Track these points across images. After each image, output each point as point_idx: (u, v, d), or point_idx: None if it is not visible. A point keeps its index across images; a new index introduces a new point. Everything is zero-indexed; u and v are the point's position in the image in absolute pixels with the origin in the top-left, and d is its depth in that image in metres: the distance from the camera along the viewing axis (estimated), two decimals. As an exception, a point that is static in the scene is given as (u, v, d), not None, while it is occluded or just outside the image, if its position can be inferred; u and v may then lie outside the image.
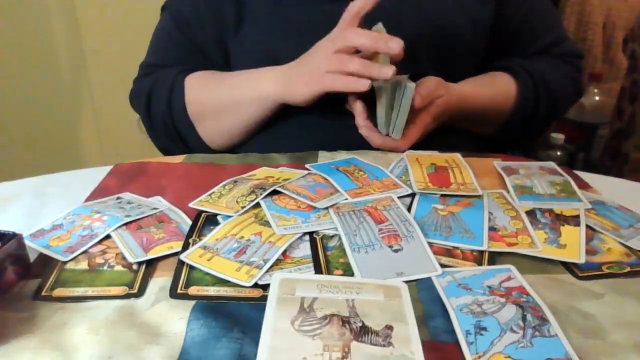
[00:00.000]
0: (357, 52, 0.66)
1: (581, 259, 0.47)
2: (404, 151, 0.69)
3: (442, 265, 0.46)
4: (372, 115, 0.69)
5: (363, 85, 0.63)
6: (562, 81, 0.83)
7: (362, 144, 0.70)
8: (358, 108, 0.69)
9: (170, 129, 0.80)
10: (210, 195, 0.58)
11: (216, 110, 0.77)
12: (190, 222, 0.53)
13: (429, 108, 0.69)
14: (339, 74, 0.64)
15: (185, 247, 0.49)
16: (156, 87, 0.80)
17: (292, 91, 0.69)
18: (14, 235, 0.44)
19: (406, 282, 0.43)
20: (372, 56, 0.66)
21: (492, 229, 0.51)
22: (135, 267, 0.46)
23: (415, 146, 0.70)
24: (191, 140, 0.80)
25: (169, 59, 0.82)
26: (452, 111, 0.73)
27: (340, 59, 0.64)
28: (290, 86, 0.69)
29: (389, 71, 0.62)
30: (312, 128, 0.72)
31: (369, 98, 0.68)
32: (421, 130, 0.70)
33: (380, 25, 0.66)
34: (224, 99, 0.76)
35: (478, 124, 0.81)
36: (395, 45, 0.61)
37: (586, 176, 0.65)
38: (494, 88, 0.79)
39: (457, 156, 0.67)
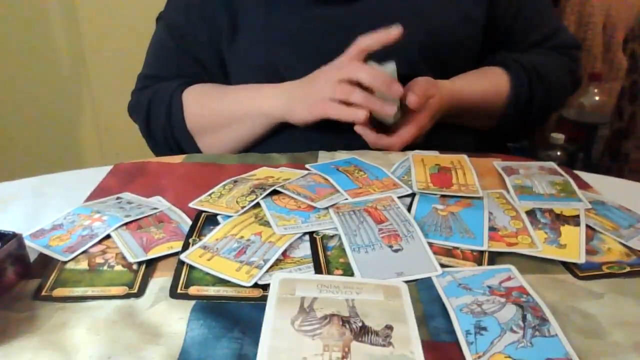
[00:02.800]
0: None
1: (581, 259, 0.47)
2: (398, 150, 0.69)
3: (442, 265, 0.46)
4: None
5: (363, 116, 0.66)
6: (557, 72, 0.83)
7: (362, 144, 0.71)
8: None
9: (171, 142, 0.81)
10: (210, 195, 0.58)
11: (217, 126, 0.77)
12: (190, 222, 0.53)
13: (423, 109, 0.70)
14: (341, 103, 0.66)
15: (185, 247, 0.49)
16: (154, 102, 0.80)
17: (293, 113, 0.71)
18: (14, 235, 0.44)
19: (406, 282, 0.43)
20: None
21: (492, 229, 0.51)
22: (135, 267, 0.46)
23: (416, 145, 0.70)
24: (193, 152, 0.80)
25: (165, 70, 0.82)
26: (445, 108, 0.73)
27: (345, 90, 0.66)
28: (292, 108, 0.71)
29: (391, 110, 0.65)
30: (312, 128, 0.72)
31: None
32: (416, 129, 0.70)
33: (392, 66, 0.68)
34: (224, 115, 0.76)
35: (473, 119, 0.81)
36: (396, 90, 0.64)
37: (586, 176, 0.65)
38: (485, 82, 0.79)
39: (464, 158, 0.66)
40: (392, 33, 0.65)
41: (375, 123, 0.70)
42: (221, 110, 0.76)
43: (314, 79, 0.70)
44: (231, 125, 0.76)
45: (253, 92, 0.75)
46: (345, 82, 0.67)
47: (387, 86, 0.65)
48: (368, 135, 0.69)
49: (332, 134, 0.72)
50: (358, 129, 0.69)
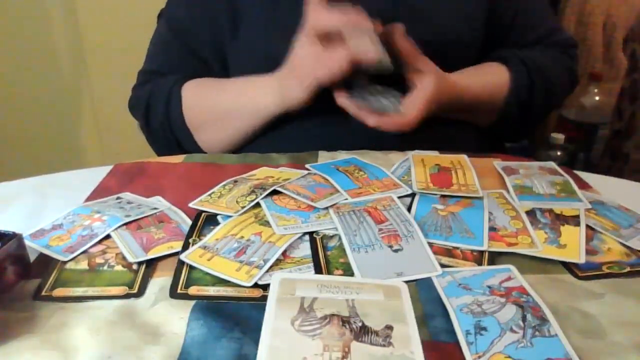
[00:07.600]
0: None
1: (581, 259, 0.47)
2: (414, 125, 0.66)
3: (442, 265, 0.46)
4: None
5: (347, 57, 0.63)
6: (557, 69, 0.83)
7: (362, 144, 0.70)
8: (345, 102, 0.69)
9: (170, 138, 0.81)
10: (210, 195, 0.58)
11: (215, 120, 0.77)
12: (190, 222, 0.53)
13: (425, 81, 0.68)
14: (325, 63, 0.65)
15: (185, 247, 0.49)
16: (153, 97, 0.80)
17: (288, 94, 0.70)
18: (14, 235, 0.44)
19: (406, 282, 0.43)
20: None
21: (492, 229, 0.51)
22: (135, 267, 0.46)
23: (415, 138, 0.69)
24: (191, 149, 0.80)
25: (166, 65, 0.82)
26: (445, 101, 0.72)
27: (328, 59, 0.64)
28: (285, 89, 0.70)
29: (375, 52, 0.62)
30: (312, 128, 0.72)
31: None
32: (423, 98, 0.67)
33: (396, 95, 0.66)
34: (222, 110, 0.76)
35: (473, 113, 0.81)
36: (366, 24, 0.62)
37: (586, 176, 0.65)
38: (486, 76, 0.79)
39: (464, 158, 0.66)
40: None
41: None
42: (219, 105, 0.76)
43: (294, 55, 0.69)
44: (230, 120, 0.76)
45: (246, 83, 0.75)
46: (318, 37, 0.65)
47: (357, 24, 0.62)
48: (369, 119, 0.67)
49: (332, 134, 0.72)
50: (356, 114, 0.67)
